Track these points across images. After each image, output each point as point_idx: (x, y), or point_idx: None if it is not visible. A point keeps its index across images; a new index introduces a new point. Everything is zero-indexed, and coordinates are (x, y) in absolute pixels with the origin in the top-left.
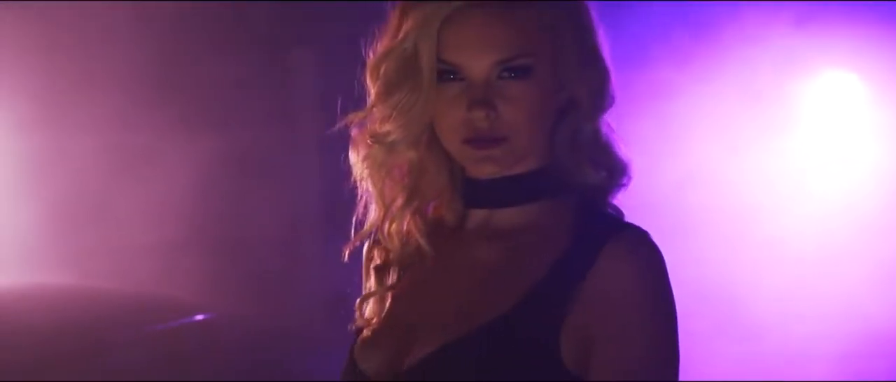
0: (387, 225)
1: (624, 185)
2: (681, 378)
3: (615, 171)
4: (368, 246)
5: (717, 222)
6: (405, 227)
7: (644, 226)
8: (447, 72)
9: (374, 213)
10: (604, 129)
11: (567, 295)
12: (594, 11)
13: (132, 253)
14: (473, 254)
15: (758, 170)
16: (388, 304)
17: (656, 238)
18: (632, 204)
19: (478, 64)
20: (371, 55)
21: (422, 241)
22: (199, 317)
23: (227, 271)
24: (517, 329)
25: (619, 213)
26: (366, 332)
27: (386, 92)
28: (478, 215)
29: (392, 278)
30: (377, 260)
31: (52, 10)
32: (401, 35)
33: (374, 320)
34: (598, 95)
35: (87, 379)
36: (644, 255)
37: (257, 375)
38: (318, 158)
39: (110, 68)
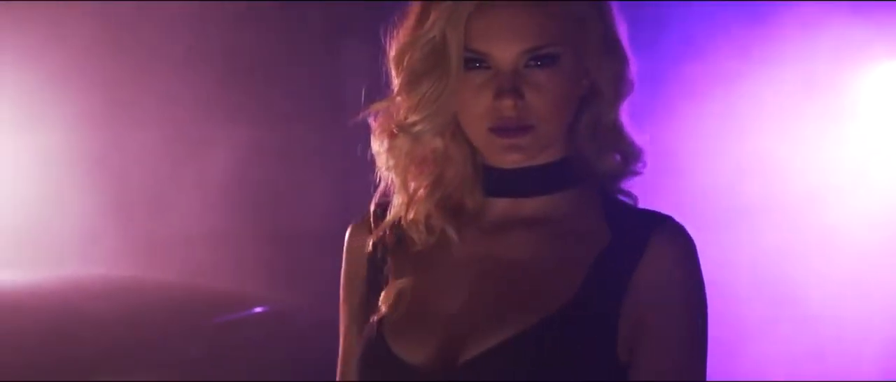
0: (411, 215)
1: (639, 172)
2: (734, 364)
3: (632, 157)
4: (353, 235)
5: (773, 210)
6: (427, 217)
7: (702, 213)
8: (473, 61)
9: (397, 202)
10: (622, 116)
11: (621, 285)
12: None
13: (190, 244)
14: (505, 244)
15: (816, 159)
16: (408, 292)
17: (714, 224)
18: (690, 190)
19: (506, 52)
20: (393, 44)
21: (449, 231)
22: (258, 310)
23: (280, 262)
24: (578, 320)
25: (634, 198)
26: (394, 321)
27: (412, 81)
28: (500, 204)
29: (401, 269)
30: (381, 250)
31: (116, 9)
32: (428, 24)
33: (399, 309)
34: (621, 82)
35: (148, 372)
36: (687, 247)
37: (317, 367)
38: (371, 150)
39: (170, 64)
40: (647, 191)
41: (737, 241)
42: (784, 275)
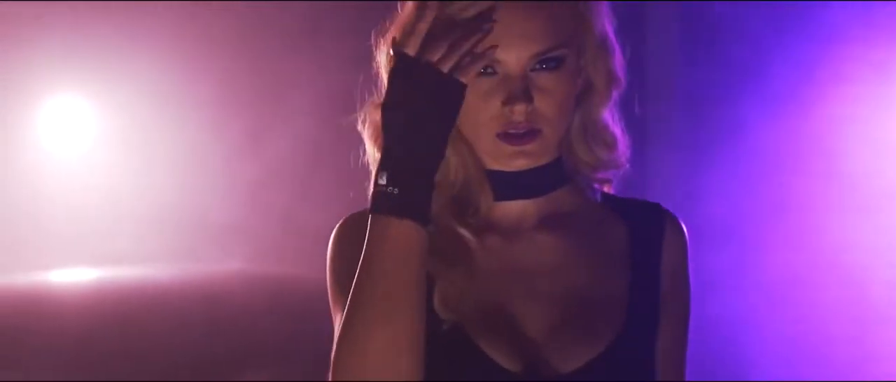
0: None
1: (624, 164)
2: (866, 347)
3: (616, 149)
4: (351, 229)
5: None
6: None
7: (848, 197)
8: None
9: None
10: (611, 112)
11: (656, 274)
12: None
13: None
14: (538, 247)
15: None
16: (469, 295)
17: (859, 209)
18: (838, 174)
19: (516, 57)
20: (385, 48)
21: (464, 232)
22: None
23: None
24: (647, 313)
25: (610, 182)
26: (476, 325)
27: None
28: (509, 208)
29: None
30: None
31: (257, 9)
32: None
33: (465, 311)
34: (613, 78)
35: (290, 367)
36: (685, 232)
37: None
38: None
39: (312, 63)
40: (795, 173)
41: (883, 226)
42: None
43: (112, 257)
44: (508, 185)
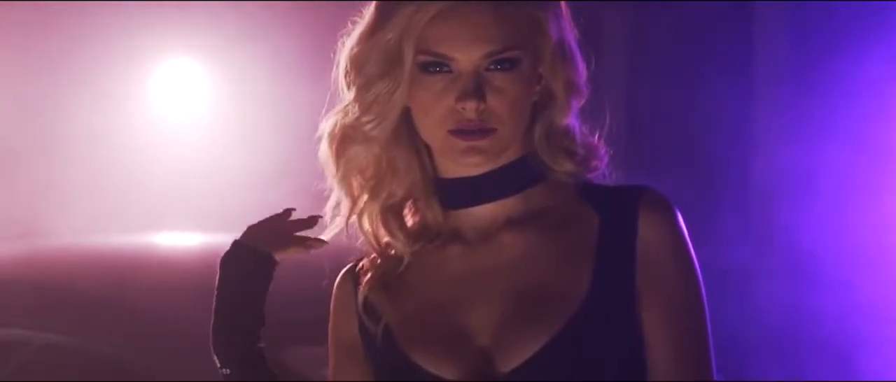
0: (357, 221)
1: (596, 171)
2: None
3: (585, 160)
4: (340, 287)
5: None
6: (376, 225)
7: None
8: (434, 65)
9: (345, 211)
10: (574, 121)
11: (629, 260)
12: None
13: None
14: (500, 250)
15: None
16: (417, 314)
17: None
18: None
19: (468, 55)
20: (347, 52)
21: (397, 242)
22: None
23: None
24: (603, 307)
25: (604, 172)
26: (416, 342)
27: (366, 85)
28: (477, 214)
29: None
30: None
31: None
32: (384, 29)
33: (413, 331)
34: (573, 89)
35: None
36: (673, 209)
37: None
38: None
39: None
40: None
41: None
42: None
43: (219, 221)
44: (471, 191)
